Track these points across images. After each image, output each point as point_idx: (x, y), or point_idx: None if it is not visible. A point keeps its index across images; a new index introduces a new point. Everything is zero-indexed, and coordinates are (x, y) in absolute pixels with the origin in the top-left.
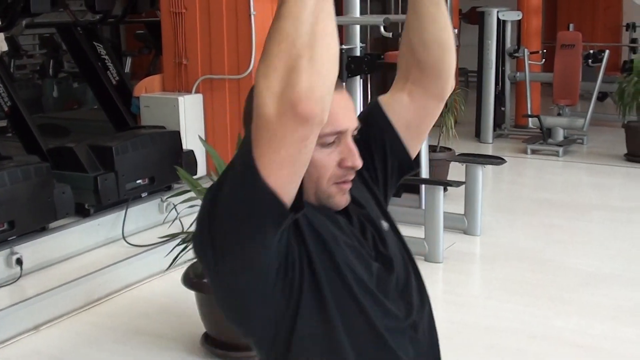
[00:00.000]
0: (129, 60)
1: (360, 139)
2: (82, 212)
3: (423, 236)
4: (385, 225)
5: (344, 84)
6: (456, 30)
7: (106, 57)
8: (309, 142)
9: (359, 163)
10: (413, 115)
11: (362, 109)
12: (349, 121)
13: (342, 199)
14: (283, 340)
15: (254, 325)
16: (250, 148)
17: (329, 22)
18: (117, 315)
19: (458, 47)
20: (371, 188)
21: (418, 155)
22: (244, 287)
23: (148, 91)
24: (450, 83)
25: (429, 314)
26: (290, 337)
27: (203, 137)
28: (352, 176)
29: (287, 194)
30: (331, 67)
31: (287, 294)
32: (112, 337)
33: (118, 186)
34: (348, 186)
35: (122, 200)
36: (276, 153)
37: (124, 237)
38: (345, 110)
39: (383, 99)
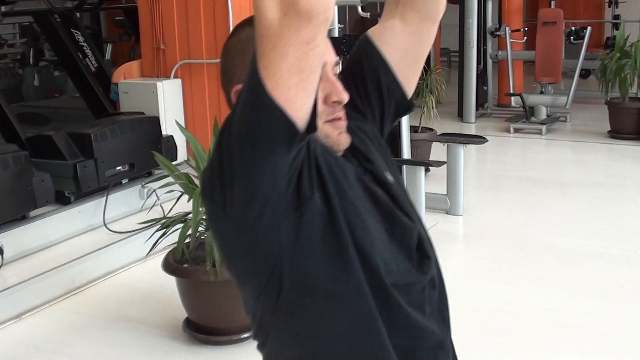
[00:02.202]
0: (109, 47)
1: (354, 80)
2: (63, 200)
3: None
4: (390, 178)
5: None
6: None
7: (84, 44)
8: (316, 44)
9: (344, 96)
10: (407, 42)
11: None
12: (327, 54)
13: (340, 137)
14: (286, 275)
15: (254, 265)
16: (256, 62)
17: None
18: (99, 302)
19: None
20: (373, 138)
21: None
22: (253, 223)
23: (127, 77)
24: (443, 1)
25: (440, 274)
26: (293, 271)
27: (183, 122)
28: (341, 112)
29: (298, 109)
30: None
31: (297, 222)
32: (94, 324)
33: (98, 173)
34: (342, 123)
35: (102, 187)
36: (283, 60)
37: (105, 224)
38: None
39: (373, 32)
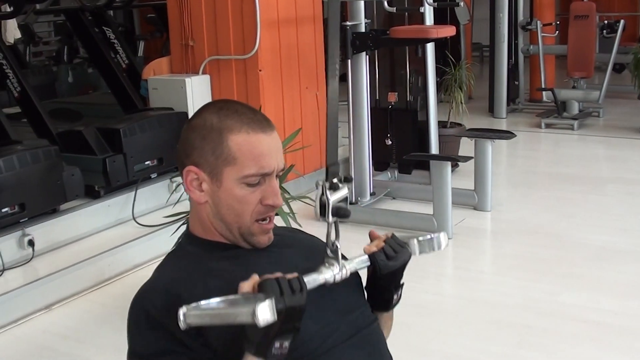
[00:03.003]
0: (142, 45)
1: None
2: (93, 194)
3: (432, 212)
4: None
5: (272, 125)
6: (460, 4)
7: (115, 41)
8: None
9: (279, 202)
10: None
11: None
12: (274, 163)
13: (263, 238)
14: None
15: None
16: None
17: None
18: (128, 294)
19: (470, 22)
20: None
21: None
22: None
23: (156, 73)
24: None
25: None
26: None
27: None
28: (273, 213)
29: None
30: None
31: None
32: (121, 316)
33: (127, 168)
34: (270, 226)
35: (131, 181)
36: None
37: (134, 218)
38: (273, 152)
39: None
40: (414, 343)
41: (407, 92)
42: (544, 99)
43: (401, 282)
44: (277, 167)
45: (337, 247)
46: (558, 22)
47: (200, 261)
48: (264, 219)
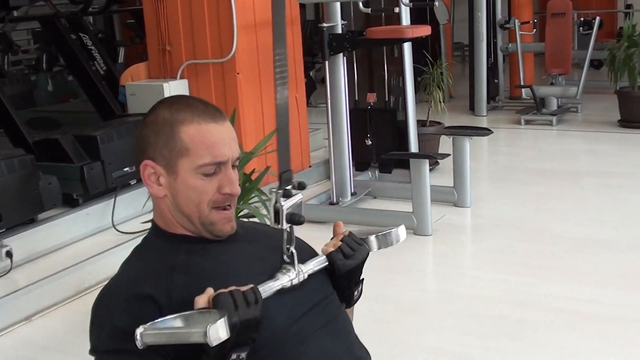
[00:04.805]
0: (122, 50)
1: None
2: (71, 203)
3: (411, 210)
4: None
5: (224, 115)
6: (436, 4)
7: (92, 47)
8: None
9: (236, 191)
10: None
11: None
12: (229, 152)
13: (225, 226)
14: None
15: None
16: None
17: None
18: None
19: (450, 21)
20: None
21: None
22: None
23: (134, 79)
24: None
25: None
26: None
27: None
28: (231, 202)
29: None
30: None
31: None
32: None
33: (105, 175)
34: (229, 213)
35: (110, 188)
36: None
37: (113, 225)
38: (226, 141)
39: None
40: (395, 339)
41: (386, 92)
42: (524, 96)
43: (361, 278)
44: (231, 156)
45: (292, 253)
46: (536, 20)
47: (165, 255)
48: (223, 208)
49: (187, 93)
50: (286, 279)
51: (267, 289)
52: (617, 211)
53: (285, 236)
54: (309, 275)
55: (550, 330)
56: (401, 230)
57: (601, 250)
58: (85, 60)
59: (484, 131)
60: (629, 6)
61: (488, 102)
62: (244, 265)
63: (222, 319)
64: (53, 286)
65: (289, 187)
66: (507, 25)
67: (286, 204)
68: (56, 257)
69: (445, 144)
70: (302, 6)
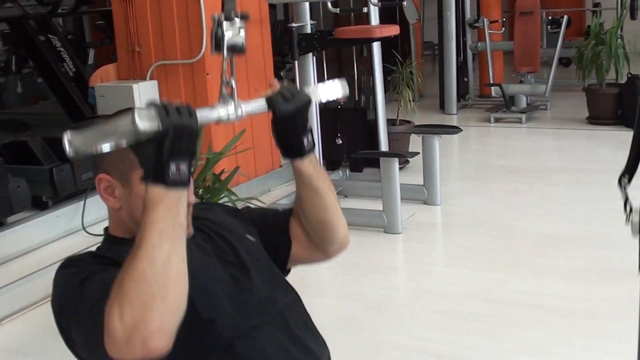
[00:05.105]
0: (92, 52)
1: (260, 223)
2: (41, 205)
3: (381, 208)
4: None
5: None
6: (404, 3)
7: (62, 49)
8: None
9: (192, 200)
10: (305, 247)
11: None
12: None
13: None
14: None
15: None
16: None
17: (182, 265)
18: None
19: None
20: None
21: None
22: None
23: (103, 80)
24: (342, 248)
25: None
26: None
27: None
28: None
29: None
30: (182, 305)
31: None
32: None
33: (74, 177)
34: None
35: (79, 190)
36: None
37: (84, 228)
38: None
39: (290, 220)
40: (365, 336)
41: (356, 91)
42: (493, 94)
43: (308, 127)
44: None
45: (232, 85)
46: (504, 19)
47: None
48: None
49: (156, 94)
50: (224, 111)
51: (206, 114)
52: (585, 207)
53: (224, 66)
54: (256, 271)
55: (519, 325)
56: (342, 83)
57: (570, 246)
58: (55, 62)
59: (453, 129)
60: (596, 4)
61: (458, 101)
62: (205, 259)
63: (151, 107)
64: (23, 290)
65: (230, 14)
66: (477, 24)
67: (228, 32)
68: (26, 260)
69: (415, 143)
70: (272, 6)
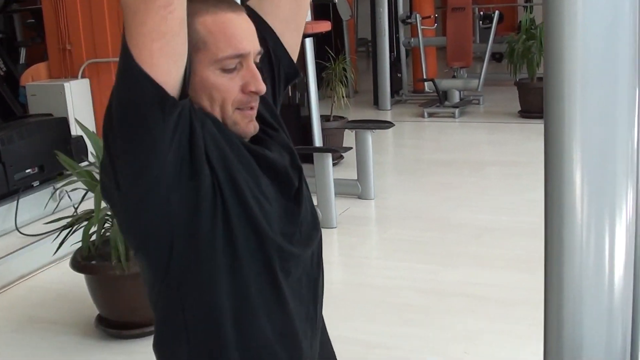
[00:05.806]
0: (23, 51)
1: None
2: None
3: (316, 203)
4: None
5: (243, 7)
6: (337, 1)
7: None
8: (173, 8)
9: (262, 88)
10: (287, 11)
11: None
12: (250, 44)
13: (248, 126)
14: (178, 248)
15: (152, 249)
16: (124, 34)
17: None
18: (13, 305)
19: (353, 17)
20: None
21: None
22: (143, 197)
23: (35, 79)
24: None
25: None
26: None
27: (93, 121)
28: (256, 102)
29: (165, 74)
30: None
31: (190, 206)
32: (8, 327)
33: (7, 177)
34: (252, 113)
35: (12, 191)
36: (142, 26)
37: (17, 228)
38: (246, 32)
39: (252, 3)
40: None
41: (289, 88)
42: (426, 89)
43: None
44: (253, 49)
45: None
46: (437, 15)
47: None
48: (249, 108)
49: (88, 93)
50: None
51: None
52: (516, 198)
53: None
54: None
55: (454, 315)
56: None
57: (502, 236)
58: None
59: (386, 124)
60: (528, 0)
61: (392, 96)
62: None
63: None
64: None
65: None
66: (409, 20)
67: None
68: None
69: (349, 138)
70: None
